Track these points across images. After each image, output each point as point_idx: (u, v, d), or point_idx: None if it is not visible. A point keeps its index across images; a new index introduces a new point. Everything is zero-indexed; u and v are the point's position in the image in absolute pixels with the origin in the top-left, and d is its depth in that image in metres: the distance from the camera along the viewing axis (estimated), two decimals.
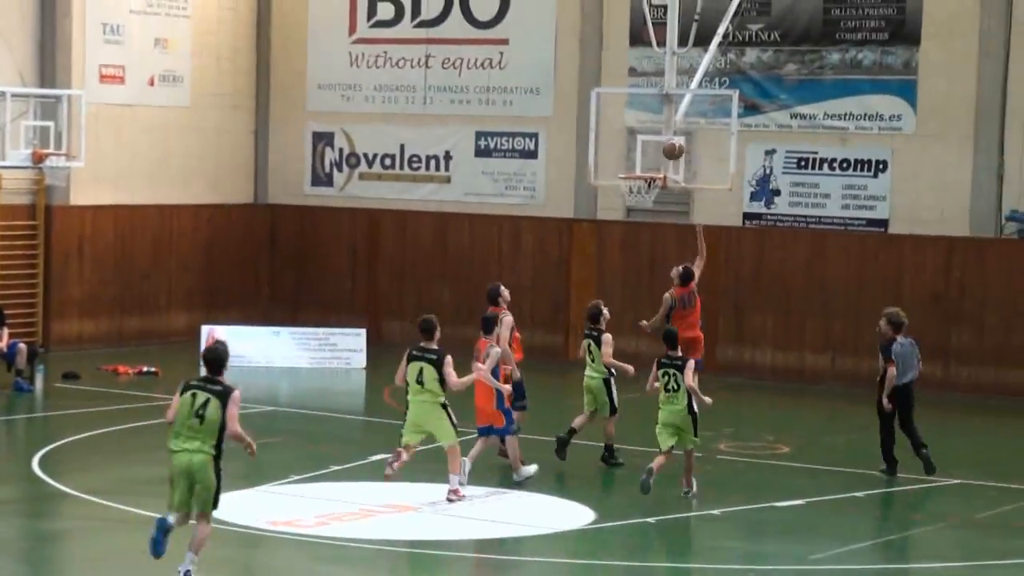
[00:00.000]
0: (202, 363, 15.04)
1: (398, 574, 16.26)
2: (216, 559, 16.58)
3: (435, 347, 18.63)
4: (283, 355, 30.00)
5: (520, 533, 17.71)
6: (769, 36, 29.77)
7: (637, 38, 30.23)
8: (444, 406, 18.59)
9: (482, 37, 31.99)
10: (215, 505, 14.85)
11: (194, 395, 14.66)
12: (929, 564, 17.28)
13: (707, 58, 26.33)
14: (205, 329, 30.04)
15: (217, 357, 14.98)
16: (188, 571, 14.70)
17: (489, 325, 19.90)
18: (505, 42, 31.82)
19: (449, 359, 18.41)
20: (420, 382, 18.49)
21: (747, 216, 30.02)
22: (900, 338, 21.04)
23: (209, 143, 32.96)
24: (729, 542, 17.81)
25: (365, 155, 33.24)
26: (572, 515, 18.33)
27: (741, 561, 16.87)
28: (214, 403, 14.61)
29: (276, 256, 33.96)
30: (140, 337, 31.63)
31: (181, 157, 32.40)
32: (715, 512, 18.69)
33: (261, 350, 29.95)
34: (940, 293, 28.41)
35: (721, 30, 26.27)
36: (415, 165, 32.78)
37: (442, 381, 18.41)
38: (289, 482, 19.88)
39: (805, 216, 29.62)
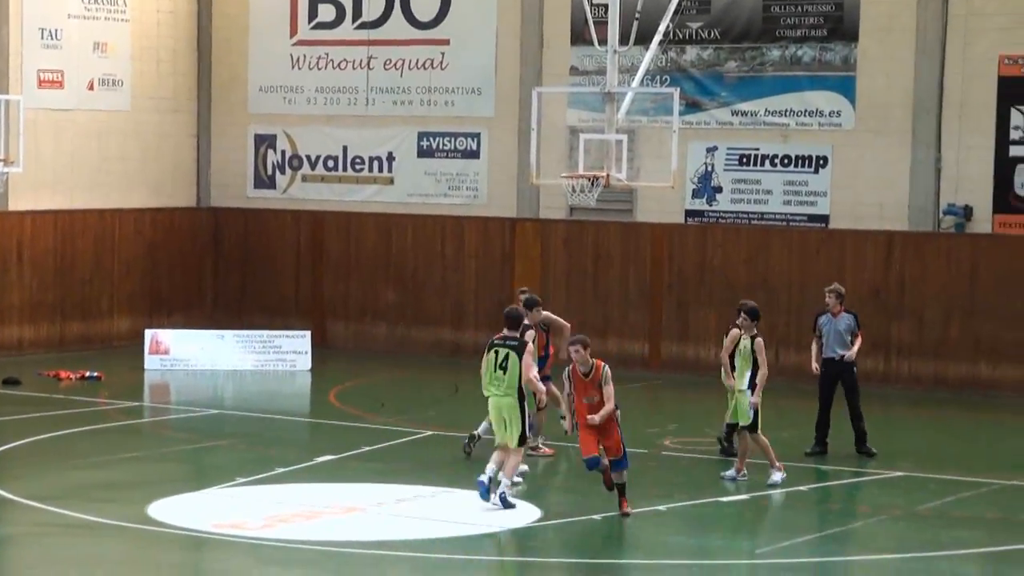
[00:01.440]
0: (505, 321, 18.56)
1: (344, 574, 16.26)
2: (162, 563, 16.58)
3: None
4: (228, 358, 29.93)
5: (466, 532, 17.73)
6: (709, 34, 29.90)
7: (578, 37, 30.32)
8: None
9: (423, 38, 32.01)
10: (521, 441, 18.22)
11: (496, 352, 18.22)
12: (872, 556, 17.39)
13: (648, 56, 26.45)
14: (148, 333, 29.98)
15: (516, 316, 18.75)
16: (503, 494, 18.00)
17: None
18: (446, 42, 31.84)
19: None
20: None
21: (689, 213, 30.14)
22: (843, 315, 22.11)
23: (150, 147, 32.86)
24: (674, 537, 17.88)
25: (308, 157, 33.20)
26: (518, 514, 18.36)
27: (687, 556, 16.93)
28: (513, 357, 18.08)
29: (220, 259, 33.89)
30: (82, 342, 31.52)
31: (122, 161, 32.30)
32: (660, 508, 18.76)
33: (206, 353, 29.89)
34: (880, 287, 28.62)
35: (662, 28, 26.41)
36: (358, 167, 32.77)
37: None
38: (235, 484, 19.83)
39: (747, 212, 29.76)
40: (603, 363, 18.04)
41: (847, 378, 22.01)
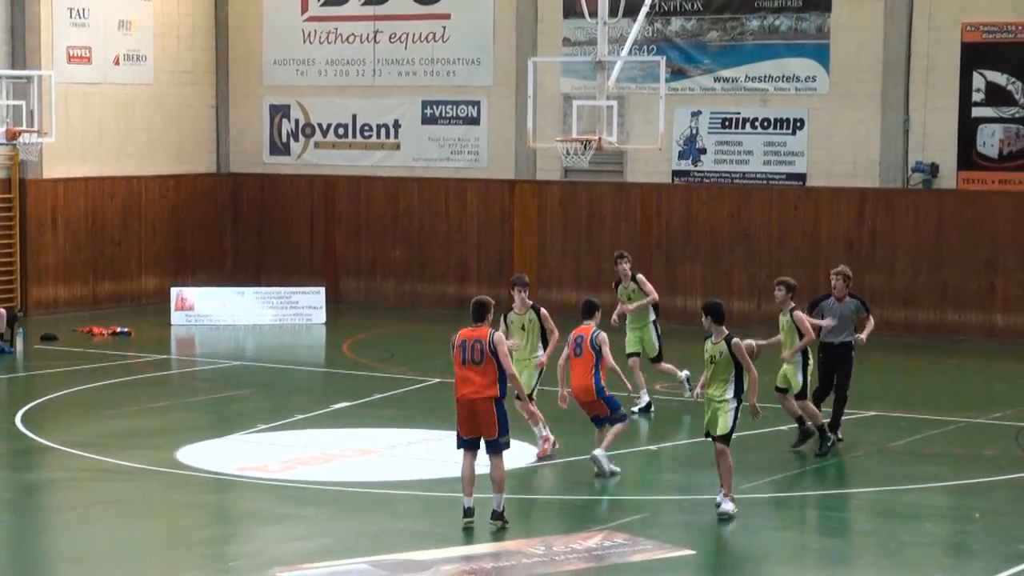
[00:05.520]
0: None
1: (360, 512, 16.36)
2: (190, 503, 16.68)
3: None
4: (247, 313, 30.01)
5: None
6: (692, 6, 29.84)
7: (570, 10, 30.27)
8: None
9: (426, 13, 31.95)
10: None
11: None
12: (849, 489, 17.52)
13: (636, 27, 26.42)
14: (174, 291, 30.06)
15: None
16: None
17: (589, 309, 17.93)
18: (447, 17, 31.79)
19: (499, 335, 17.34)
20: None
21: (676, 173, 30.15)
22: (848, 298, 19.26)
23: (172, 117, 32.83)
24: (666, 474, 18.01)
25: (319, 125, 33.18)
26: (519, 454, 18.43)
27: (677, 492, 17.05)
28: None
29: (238, 221, 33.90)
30: (113, 300, 31.58)
31: (146, 131, 32.28)
32: (652, 448, 18.86)
33: (227, 309, 29.96)
34: (854, 240, 28.66)
35: (648, 1, 26.35)
36: (366, 133, 32.75)
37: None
38: (257, 431, 19.95)
39: (730, 172, 29.77)
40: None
41: (845, 362, 19.07)
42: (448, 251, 31.94)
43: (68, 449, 18.83)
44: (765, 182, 29.46)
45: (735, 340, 15.55)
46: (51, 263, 30.67)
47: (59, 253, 30.79)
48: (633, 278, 21.41)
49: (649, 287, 21.37)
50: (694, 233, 29.87)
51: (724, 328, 15.67)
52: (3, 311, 26.37)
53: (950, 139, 28.02)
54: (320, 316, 30.10)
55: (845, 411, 19.24)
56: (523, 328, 18.20)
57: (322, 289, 30.70)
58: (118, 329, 28.33)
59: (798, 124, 29.19)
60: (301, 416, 20.73)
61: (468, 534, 14.96)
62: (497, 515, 15.12)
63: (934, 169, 28.18)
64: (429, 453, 18.58)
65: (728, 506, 15.60)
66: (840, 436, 19.02)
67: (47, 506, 16.93)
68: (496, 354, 15.01)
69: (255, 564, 14.27)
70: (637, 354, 21.12)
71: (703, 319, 15.84)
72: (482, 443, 15.21)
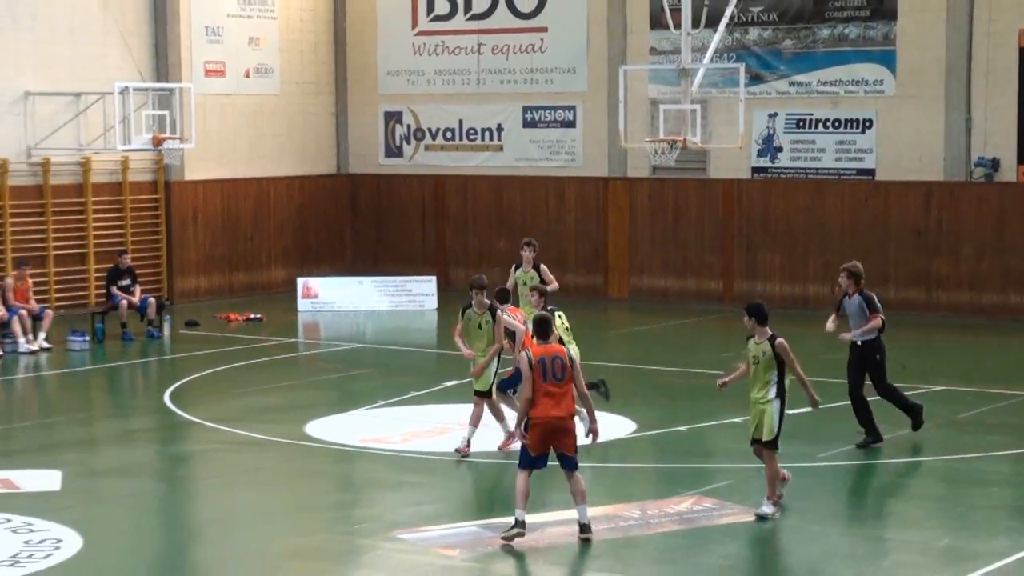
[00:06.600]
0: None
1: (471, 480, 16.37)
2: (318, 472, 16.77)
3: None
4: (366, 300, 30.13)
5: None
6: (768, 16, 29.58)
7: (656, 22, 30.11)
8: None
9: (525, 26, 31.89)
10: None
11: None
12: (919, 458, 17.29)
13: (716, 37, 26.29)
14: (300, 281, 30.25)
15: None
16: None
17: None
18: (545, 30, 31.71)
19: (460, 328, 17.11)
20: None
21: (755, 170, 29.91)
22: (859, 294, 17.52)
23: (297, 124, 33.02)
24: (749, 445, 17.82)
25: (429, 130, 33.23)
26: (616, 426, 18.37)
27: (760, 461, 16.88)
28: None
29: (357, 217, 34.05)
30: (246, 289, 31.82)
31: (274, 137, 32.48)
32: (736, 420, 18.73)
33: (348, 297, 30.10)
34: (921, 229, 28.29)
35: (728, 12, 26.25)
36: (472, 137, 32.76)
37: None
38: (377, 406, 20.01)
39: (804, 168, 29.49)
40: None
41: (868, 362, 17.52)
42: (548, 242, 31.78)
43: (210, 424, 19.01)
44: (837, 177, 29.13)
45: (779, 340, 14.41)
46: (193, 257, 30.95)
47: (200, 248, 31.06)
48: (536, 266, 20.38)
49: (550, 276, 20.22)
50: (772, 224, 29.61)
51: (767, 328, 14.46)
52: (153, 300, 26.67)
53: (1009, 135, 27.57)
54: (432, 302, 30.16)
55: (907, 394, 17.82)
56: (480, 327, 17.16)
57: (433, 278, 30.76)
58: (251, 315, 28.54)
59: (867, 124, 28.84)
60: (416, 393, 20.78)
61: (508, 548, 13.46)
62: (587, 528, 13.61)
63: (995, 163, 27.74)
64: None
65: (768, 508, 14.38)
66: (878, 436, 17.34)
67: (193, 475, 17.10)
68: (574, 370, 13.58)
69: (377, 526, 14.32)
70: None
71: (745, 320, 14.48)
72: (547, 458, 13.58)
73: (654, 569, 13.19)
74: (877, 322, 17.24)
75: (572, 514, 13.85)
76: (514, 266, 20.82)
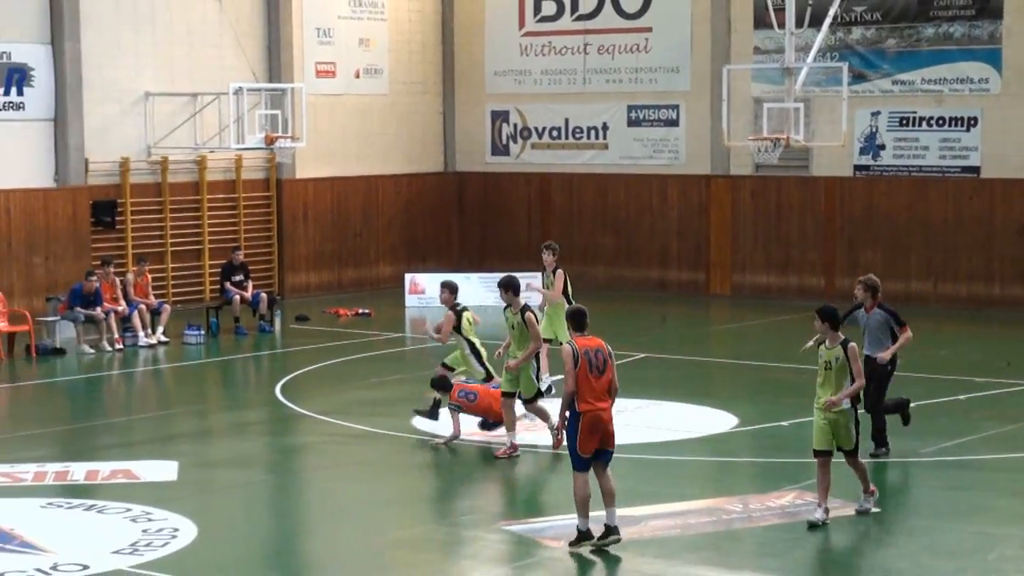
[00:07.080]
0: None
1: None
2: (424, 464, 16.89)
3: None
4: (473, 296, 30.21)
5: (675, 437, 17.76)
6: (872, 16, 29.33)
7: (760, 22, 29.97)
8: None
9: (630, 27, 31.88)
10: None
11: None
12: (1018, 454, 17.09)
13: (820, 36, 26.15)
14: (407, 277, 30.46)
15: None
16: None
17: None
18: (649, 30, 31.69)
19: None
20: None
21: (857, 168, 29.68)
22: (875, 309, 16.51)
23: (405, 123, 33.26)
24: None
25: (536, 128, 33.34)
26: (719, 420, 18.35)
27: (863, 455, 16.77)
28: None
29: (464, 214, 34.23)
30: (355, 285, 32.09)
31: (383, 136, 32.75)
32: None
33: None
34: None
35: (832, 12, 26.07)
36: (578, 135, 32.82)
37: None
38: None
39: (907, 166, 29.21)
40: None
41: (878, 378, 16.33)
42: (651, 239, 31.87)
43: (319, 416, 19.20)
44: (940, 175, 28.83)
45: (852, 344, 13.85)
46: (303, 253, 31.29)
47: (310, 244, 31.40)
48: (554, 271, 20.31)
49: (560, 284, 20.14)
50: (874, 221, 29.37)
51: (840, 333, 13.92)
52: (265, 295, 26.99)
53: None
54: (537, 298, 30.12)
55: (907, 415, 16.93)
56: (513, 327, 17.32)
57: (539, 274, 30.67)
58: (360, 311, 28.79)
59: (972, 122, 28.50)
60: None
61: (601, 554, 13.14)
62: (615, 530, 13.20)
63: None
64: (636, 420, 18.58)
65: (867, 504, 14.19)
66: (885, 449, 16.49)
67: (303, 466, 17.32)
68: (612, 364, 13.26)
69: (482, 517, 14.45)
70: (549, 341, 19.88)
71: (817, 323, 13.87)
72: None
73: (756, 562, 13.20)
74: (909, 334, 16.44)
75: (676, 507, 13.87)
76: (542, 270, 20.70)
